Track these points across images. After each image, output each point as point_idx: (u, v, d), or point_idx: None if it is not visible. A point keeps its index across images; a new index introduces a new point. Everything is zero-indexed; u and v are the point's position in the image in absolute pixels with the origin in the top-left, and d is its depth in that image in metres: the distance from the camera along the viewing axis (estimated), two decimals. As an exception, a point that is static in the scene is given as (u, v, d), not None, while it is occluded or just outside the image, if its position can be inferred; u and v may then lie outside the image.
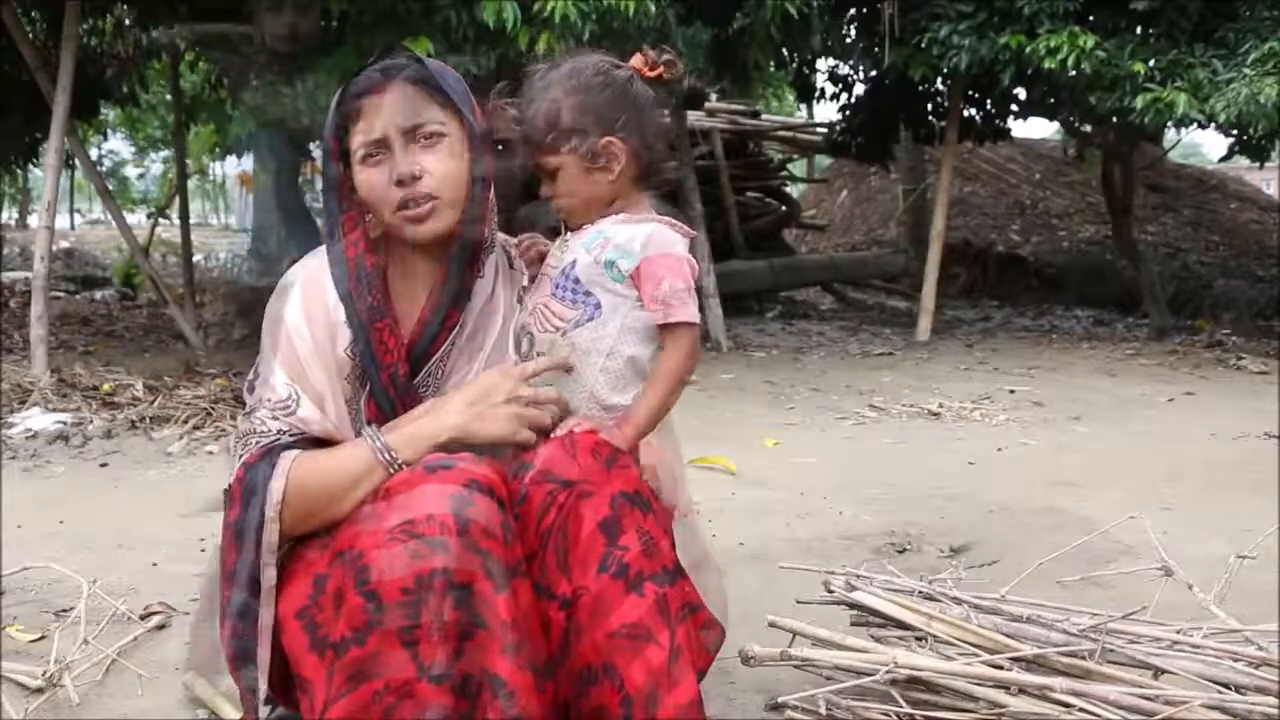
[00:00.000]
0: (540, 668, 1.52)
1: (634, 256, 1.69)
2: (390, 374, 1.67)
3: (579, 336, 1.70)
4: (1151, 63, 6.65)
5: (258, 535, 1.57)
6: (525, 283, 1.81)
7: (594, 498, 1.55)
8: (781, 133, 12.96)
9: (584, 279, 1.71)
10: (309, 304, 1.67)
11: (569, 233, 1.78)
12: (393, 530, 1.46)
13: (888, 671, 1.71)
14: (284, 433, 1.62)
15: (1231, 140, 7.65)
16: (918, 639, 1.87)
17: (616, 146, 1.72)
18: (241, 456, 1.62)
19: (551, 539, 1.54)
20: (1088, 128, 9.13)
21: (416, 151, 1.63)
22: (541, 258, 1.80)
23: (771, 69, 9.02)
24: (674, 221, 1.78)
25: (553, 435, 1.65)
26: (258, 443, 1.61)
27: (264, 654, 1.58)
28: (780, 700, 1.86)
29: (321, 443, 1.64)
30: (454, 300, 1.70)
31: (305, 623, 1.55)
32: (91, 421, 4.57)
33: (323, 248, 1.74)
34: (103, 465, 4.03)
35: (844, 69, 9.55)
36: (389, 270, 1.72)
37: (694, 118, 10.22)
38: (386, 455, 1.58)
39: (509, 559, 1.49)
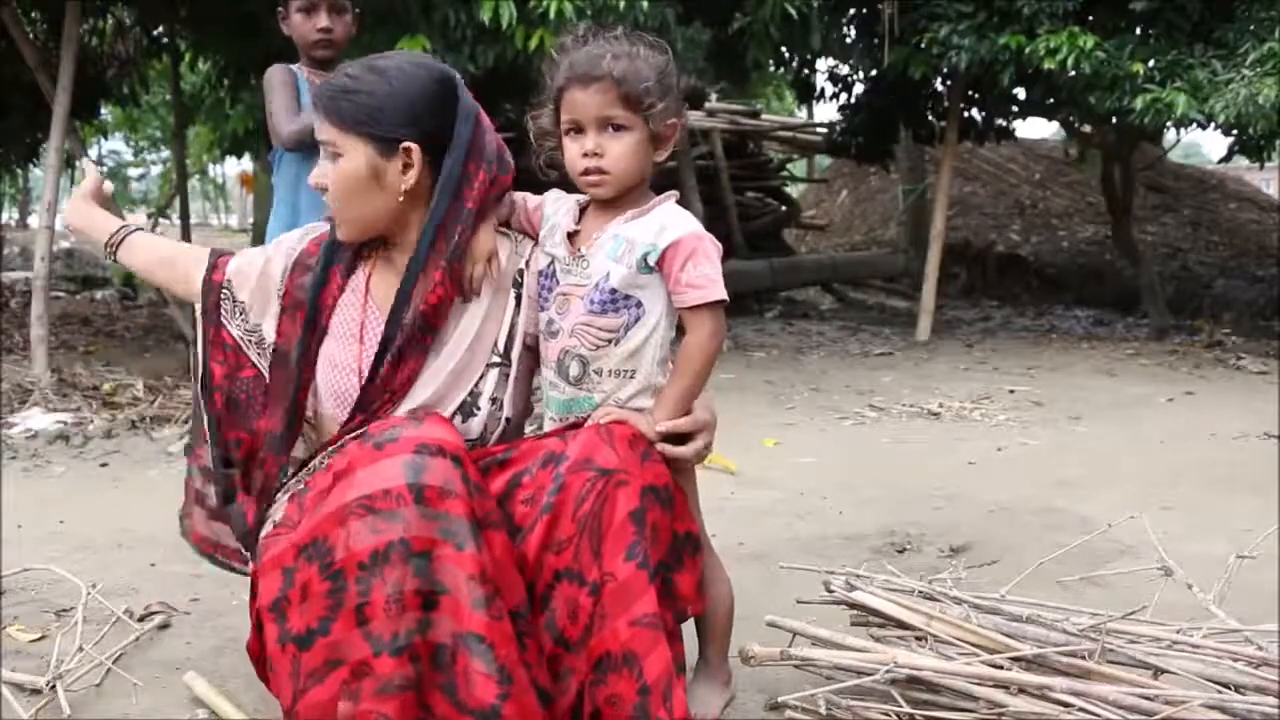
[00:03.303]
0: (521, 609, 1.55)
1: (657, 246, 1.70)
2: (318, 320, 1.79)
3: (633, 339, 1.71)
4: (1151, 63, 6.65)
5: None
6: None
7: (628, 487, 1.59)
8: (781, 133, 12.97)
9: (621, 288, 1.71)
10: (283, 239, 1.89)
11: (582, 248, 1.75)
12: (351, 505, 1.50)
13: (888, 671, 1.71)
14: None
15: (1231, 140, 7.64)
16: (918, 639, 1.87)
17: (676, 131, 1.73)
18: None
19: (588, 526, 1.58)
20: (1087, 128, 9.12)
21: (325, 161, 1.75)
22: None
23: (771, 69, 9.02)
24: (673, 194, 1.79)
25: (587, 424, 1.68)
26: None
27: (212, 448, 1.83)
28: (780, 700, 1.87)
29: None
30: (400, 310, 1.74)
31: (277, 615, 1.59)
32: (92, 421, 4.57)
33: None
34: (103, 465, 4.03)
35: (844, 69, 9.54)
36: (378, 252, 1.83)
37: (694, 118, 10.22)
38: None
39: (474, 512, 1.52)
